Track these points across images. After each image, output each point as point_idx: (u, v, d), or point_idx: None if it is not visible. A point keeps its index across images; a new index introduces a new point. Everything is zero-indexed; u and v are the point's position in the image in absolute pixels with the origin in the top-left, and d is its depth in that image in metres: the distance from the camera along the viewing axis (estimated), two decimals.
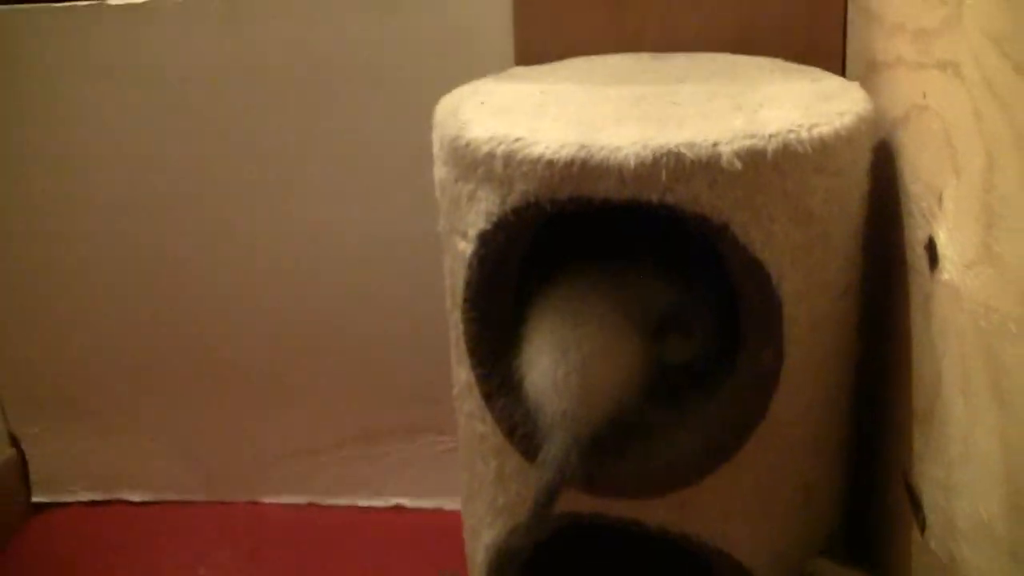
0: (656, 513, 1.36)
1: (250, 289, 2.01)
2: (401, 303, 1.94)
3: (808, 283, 1.25)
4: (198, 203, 1.96)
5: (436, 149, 1.38)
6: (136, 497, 2.19)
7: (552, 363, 1.31)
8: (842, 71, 1.65)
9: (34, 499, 2.20)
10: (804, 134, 1.19)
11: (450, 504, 1.67)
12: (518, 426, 1.36)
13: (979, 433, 1.03)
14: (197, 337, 2.07)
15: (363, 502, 2.13)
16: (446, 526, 1.68)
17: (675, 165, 1.16)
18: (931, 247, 1.17)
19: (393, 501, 2.12)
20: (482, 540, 1.53)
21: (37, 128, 1.95)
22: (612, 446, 1.33)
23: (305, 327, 2.02)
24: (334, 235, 1.94)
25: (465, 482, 1.55)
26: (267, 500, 2.16)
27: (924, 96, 1.22)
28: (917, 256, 1.24)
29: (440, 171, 1.37)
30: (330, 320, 2.01)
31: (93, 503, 2.20)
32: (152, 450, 2.17)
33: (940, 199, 1.14)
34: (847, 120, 1.24)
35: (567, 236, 1.41)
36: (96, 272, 2.04)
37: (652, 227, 1.33)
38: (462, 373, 1.44)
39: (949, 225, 1.12)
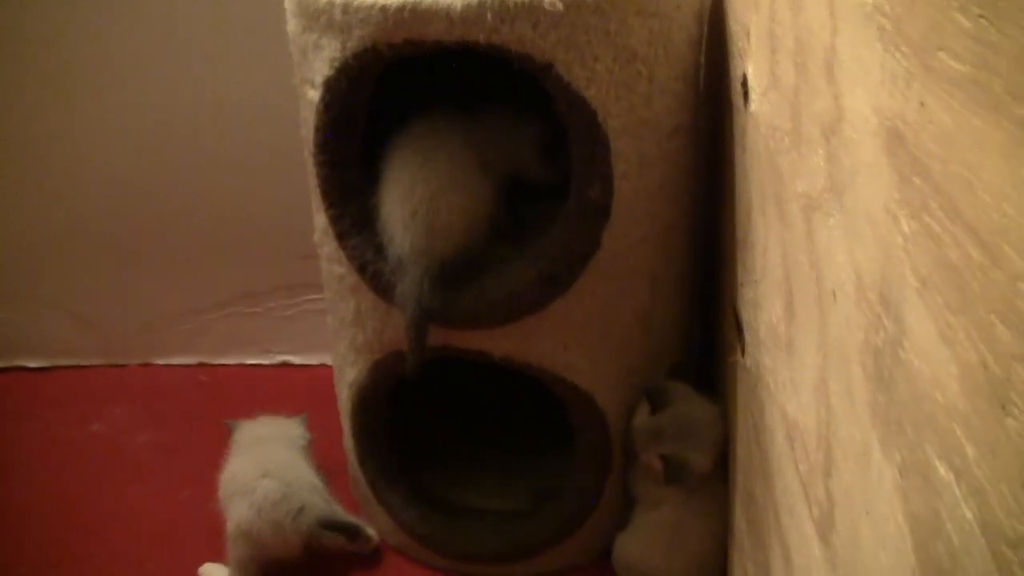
0: (500, 343, 1.45)
1: (131, 162, 2.03)
2: (271, 163, 1.97)
3: (634, 120, 1.33)
4: (82, 82, 1.97)
5: (287, 3, 1.42)
6: (34, 363, 2.23)
7: (400, 199, 1.39)
8: None
9: None
10: None
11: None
12: (369, 263, 1.43)
13: (770, 246, 1.11)
14: (86, 209, 2.09)
15: (251, 360, 2.20)
16: (331, 380, 1.74)
17: (500, 7, 1.22)
18: (744, 83, 1.25)
19: (279, 358, 2.19)
20: (346, 379, 1.61)
21: None
22: (457, 278, 1.41)
23: (183, 195, 2.05)
24: (202, 102, 1.96)
25: (330, 325, 1.63)
26: (159, 361, 2.22)
27: None
28: (736, 93, 1.32)
29: (291, 24, 1.42)
30: (206, 186, 2.04)
31: None
32: (48, 318, 2.21)
33: (748, 35, 1.22)
34: None
35: (427, 90, 1.48)
36: None
37: (509, 80, 1.40)
38: (320, 218, 1.50)
39: (754, 58, 1.20)
